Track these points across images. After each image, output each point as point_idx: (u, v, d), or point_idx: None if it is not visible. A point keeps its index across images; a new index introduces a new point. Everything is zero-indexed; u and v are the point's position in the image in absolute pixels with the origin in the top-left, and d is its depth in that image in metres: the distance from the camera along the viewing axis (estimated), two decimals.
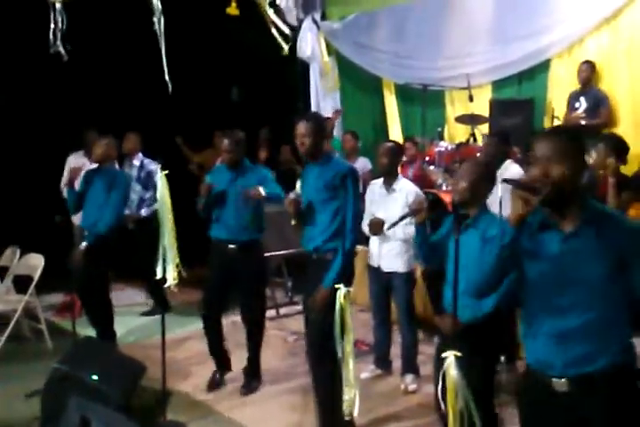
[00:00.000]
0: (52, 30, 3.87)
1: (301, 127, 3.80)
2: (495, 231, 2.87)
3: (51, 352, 5.28)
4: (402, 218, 3.84)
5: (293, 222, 3.94)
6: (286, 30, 4.51)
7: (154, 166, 6.31)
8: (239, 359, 4.90)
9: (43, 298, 5.94)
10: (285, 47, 3.89)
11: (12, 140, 6.90)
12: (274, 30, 3.92)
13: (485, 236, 3.15)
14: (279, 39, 3.85)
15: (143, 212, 6.47)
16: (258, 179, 4.55)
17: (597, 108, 6.29)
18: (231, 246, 4.66)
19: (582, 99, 6.38)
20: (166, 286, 4.03)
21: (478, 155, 5.94)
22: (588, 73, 6.36)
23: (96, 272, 5.20)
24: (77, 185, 5.38)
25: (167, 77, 3.43)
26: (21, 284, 5.61)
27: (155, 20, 3.56)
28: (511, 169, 5.11)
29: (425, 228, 3.51)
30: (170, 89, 3.44)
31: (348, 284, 3.64)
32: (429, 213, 3.51)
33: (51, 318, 6.07)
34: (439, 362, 2.87)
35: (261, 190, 4.39)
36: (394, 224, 4.01)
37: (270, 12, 3.96)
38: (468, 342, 3.05)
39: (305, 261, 4.05)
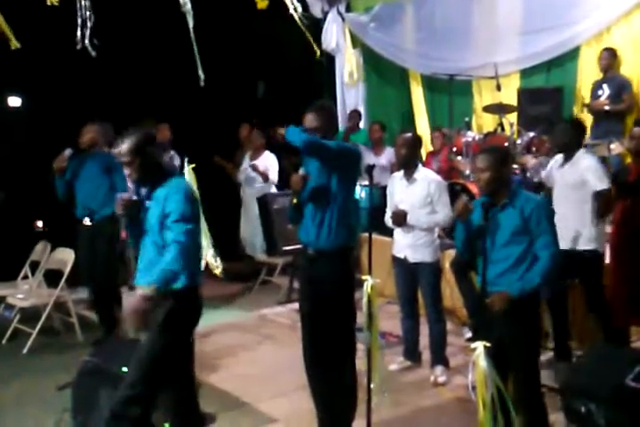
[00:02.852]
0: (79, 26, 3.89)
1: (309, 120, 3.62)
2: (532, 206, 3.32)
3: (81, 345, 5.34)
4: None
5: (294, 201, 3.71)
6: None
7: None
8: (265, 352, 4.91)
9: (73, 292, 6.00)
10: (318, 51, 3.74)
11: (43, 137, 6.98)
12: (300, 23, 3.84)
13: (524, 213, 3.33)
14: (308, 35, 3.75)
15: None
16: None
17: (620, 94, 6.23)
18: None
19: (605, 86, 6.31)
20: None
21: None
22: (609, 60, 6.31)
23: (104, 253, 5.32)
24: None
25: (200, 71, 3.44)
26: (52, 278, 5.68)
27: (187, 15, 3.57)
28: (584, 160, 4.54)
29: (467, 225, 3.47)
30: (202, 82, 3.44)
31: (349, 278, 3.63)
32: (469, 212, 3.46)
33: (81, 311, 6.13)
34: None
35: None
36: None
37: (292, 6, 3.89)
38: (514, 316, 3.27)
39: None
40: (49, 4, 3.16)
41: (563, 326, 4.71)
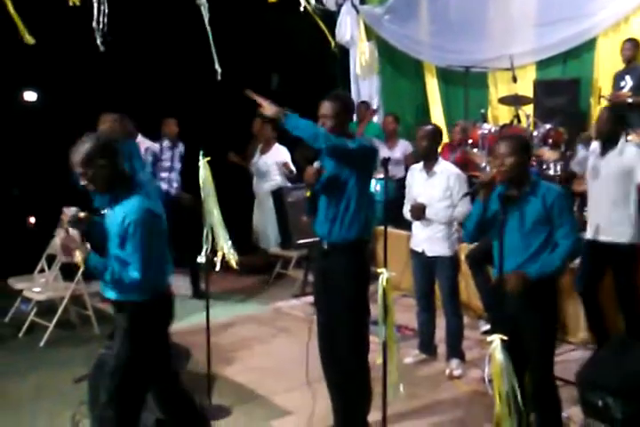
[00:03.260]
0: (95, 20, 3.88)
1: (325, 107, 3.54)
2: (554, 196, 3.31)
3: (98, 338, 5.36)
4: (471, 192, 3.76)
5: (308, 194, 3.69)
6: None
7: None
8: (280, 345, 4.91)
9: (89, 285, 6.02)
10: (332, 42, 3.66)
11: (59, 131, 7.00)
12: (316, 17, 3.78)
13: (546, 202, 3.31)
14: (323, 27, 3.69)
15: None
16: None
17: None
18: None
19: (627, 77, 6.22)
20: (216, 270, 4.04)
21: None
22: (632, 51, 6.22)
23: None
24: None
25: (217, 64, 3.41)
26: (68, 271, 5.70)
27: (201, 7, 3.54)
28: (630, 149, 4.41)
29: (486, 204, 3.41)
30: (219, 75, 3.41)
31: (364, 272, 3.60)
32: (492, 189, 3.41)
33: (97, 304, 6.15)
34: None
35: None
36: (466, 195, 3.98)
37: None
38: (531, 300, 3.28)
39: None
40: (71, 4, 3.14)
41: (598, 320, 4.65)
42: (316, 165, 3.61)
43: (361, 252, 3.65)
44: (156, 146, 6.72)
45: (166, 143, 6.65)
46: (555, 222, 3.30)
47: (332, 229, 3.59)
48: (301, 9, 3.59)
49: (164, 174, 6.58)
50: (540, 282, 3.28)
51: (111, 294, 3.19)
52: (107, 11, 3.95)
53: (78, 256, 3.05)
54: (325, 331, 3.73)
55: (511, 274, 3.28)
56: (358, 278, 3.60)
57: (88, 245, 3.10)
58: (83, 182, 3.18)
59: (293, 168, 7.19)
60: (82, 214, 3.18)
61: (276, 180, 7.26)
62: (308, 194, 3.69)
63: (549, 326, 3.40)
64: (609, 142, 4.43)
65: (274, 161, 7.23)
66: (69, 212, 3.20)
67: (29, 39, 3.37)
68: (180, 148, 6.67)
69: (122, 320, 3.20)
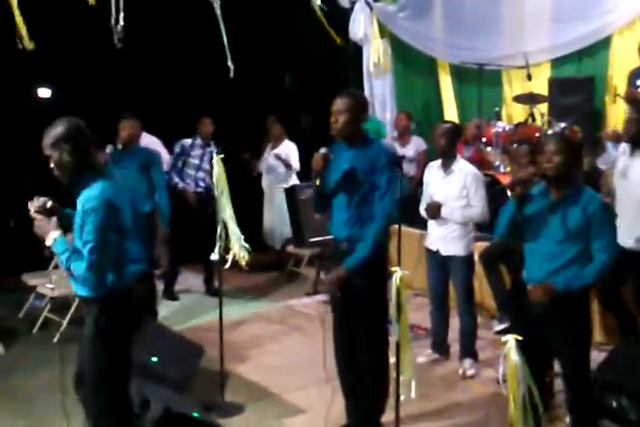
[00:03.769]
0: (113, 19, 3.89)
1: (338, 103, 3.49)
2: (595, 206, 3.20)
3: None
4: (505, 187, 3.69)
5: (317, 182, 3.59)
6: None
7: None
8: (293, 343, 4.91)
9: None
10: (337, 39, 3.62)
11: None
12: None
13: (587, 212, 3.19)
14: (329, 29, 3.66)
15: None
16: None
17: None
18: None
19: None
20: (227, 267, 4.04)
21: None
22: None
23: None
24: None
25: (230, 62, 3.41)
26: None
27: (214, 4, 3.54)
28: None
29: (522, 202, 3.31)
30: (232, 73, 3.41)
31: (383, 274, 3.55)
32: (527, 188, 3.32)
33: None
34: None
35: None
36: (499, 190, 3.84)
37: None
38: (560, 312, 3.20)
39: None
40: (90, 3, 3.15)
41: (629, 322, 4.60)
42: (323, 150, 3.54)
43: (382, 252, 3.62)
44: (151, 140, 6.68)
45: (198, 141, 6.62)
46: (592, 233, 3.19)
47: (352, 227, 3.55)
48: (314, 6, 3.55)
49: (191, 172, 6.58)
50: (570, 296, 3.20)
51: (77, 290, 3.16)
52: (122, 9, 3.96)
53: (49, 239, 3.02)
54: (343, 331, 3.71)
55: (537, 285, 3.21)
56: (379, 278, 3.57)
57: (59, 232, 3.05)
58: (333, 127, 3.34)
59: (295, 164, 7.18)
60: (50, 204, 3.12)
61: (284, 174, 7.25)
62: (318, 182, 3.60)
63: (581, 336, 3.31)
64: (638, 144, 4.30)
65: (284, 156, 7.22)
66: (38, 202, 3.12)
67: (29, 44, 3.38)
68: (213, 148, 6.60)
69: (86, 317, 3.19)
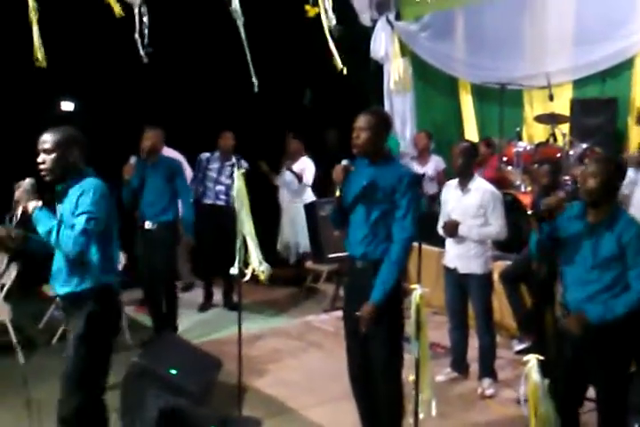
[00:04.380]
0: (137, 32, 3.94)
1: (361, 120, 3.49)
2: (632, 234, 3.04)
3: (130, 347, 5.40)
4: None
5: (338, 193, 3.58)
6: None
7: (246, 164, 6.66)
8: (311, 359, 4.90)
9: (123, 294, 6.07)
10: (340, 65, 3.57)
11: (96, 141, 7.08)
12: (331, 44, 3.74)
13: (622, 240, 3.09)
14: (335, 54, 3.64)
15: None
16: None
17: None
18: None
19: None
20: (245, 280, 4.06)
21: None
22: None
23: (163, 259, 5.50)
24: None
25: (254, 77, 3.44)
26: None
27: (237, 21, 3.58)
28: None
29: (549, 225, 3.26)
30: (256, 88, 3.44)
31: (399, 291, 3.51)
32: (554, 215, 3.25)
33: (130, 313, 6.22)
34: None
35: None
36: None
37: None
38: (598, 345, 3.13)
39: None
40: (117, 16, 3.20)
41: None
42: (344, 162, 3.57)
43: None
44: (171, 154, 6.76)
45: (216, 155, 6.67)
46: (629, 262, 3.07)
47: (368, 245, 3.52)
48: (325, 26, 3.57)
49: (210, 184, 6.64)
50: (607, 327, 3.10)
51: (63, 287, 3.21)
52: (147, 23, 4.01)
53: (31, 207, 3.16)
54: (358, 350, 3.68)
55: (571, 317, 3.16)
56: (395, 297, 3.53)
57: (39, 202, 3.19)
58: (355, 143, 3.44)
59: (308, 179, 7.20)
60: (31, 183, 3.24)
61: (299, 189, 7.29)
62: (338, 193, 3.61)
63: (616, 371, 3.20)
64: None
65: (298, 170, 7.26)
66: (24, 184, 3.24)
67: (42, 62, 3.44)
68: (232, 165, 6.61)
69: (71, 318, 3.23)
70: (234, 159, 6.63)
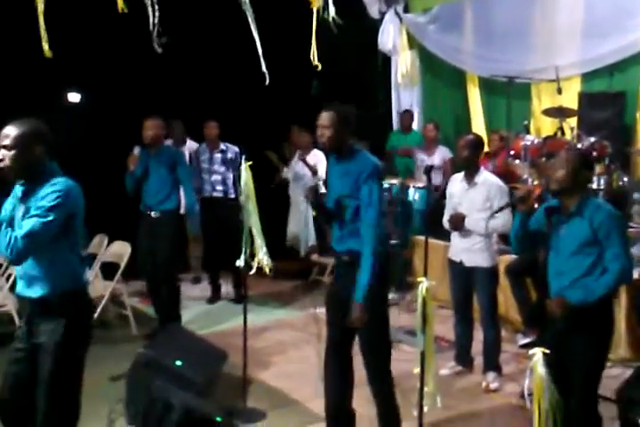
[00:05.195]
0: (151, 24, 3.93)
1: (323, 118, 3.51)
2: (602, 217, 3.16)
3: (135, 338, 5.43)
4: (503, 207, 3.85)
5: (314, 213, 3.70)
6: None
7: (237, 149, 6.66)
8: (315, 351, 4.90)
9: (129, 285, 6.11)
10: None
11: (102, 132, 7.12)
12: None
13: (593, 225, 3.20)
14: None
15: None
16: None
17: None
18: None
19: None
20: (252, 273, 4.07)
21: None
22: None
23: (166, 247, 5.51)
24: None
25: (264, 68, 3.42)
26: (108, 271, 5.78)
27: (247, 12, 3.56)
28: None
29: (527, 217, 3.41)
30: (267, 80, 3.43)
31: (382, 287, 3.51)
32: (533, 205, 3.40)
33: (136, 304, 6.24)
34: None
35: None
36: (495, 212, 4.00)
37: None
38: (576, 325, 3.21)
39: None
40: (120, 11, 3.19)
41: None
42: (310, 183, 3.62)
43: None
44: (194, 146, 6.83)
45: (204, 146, 6.73)
46: (603, 244, 3.19)
47: (347, 244, 3.54)
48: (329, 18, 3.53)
49: (205, 176, 6.66)
50: (587, 308, 3.19)
51: (35, 291, 3.03)
52: (157, 15, 4.00)
53: None
54: (337, 345, 3.69)
55: (552, 300, 3.25)
56: (378, 292, 3.49)
57: None
58: (320, 141, 3.46)
59: (322, 172, 7.20)
60: None
61: (311, 182, 7.28)
62: (314, 213, 3.71)
63: (595, 351, 3.28)
64: None
65: (312, 163, 7.23)
66: None
67: (48, 52, 3.41)
68: (222, 151, 6.67)
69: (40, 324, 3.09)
70: (222, 146, 6.65)
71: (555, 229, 3.32)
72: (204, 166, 6.67)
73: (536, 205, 3.51)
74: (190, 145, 7.17)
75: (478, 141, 4.61)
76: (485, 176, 4.55)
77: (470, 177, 4.54)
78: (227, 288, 6.80)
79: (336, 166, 3.62)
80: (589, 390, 3.32)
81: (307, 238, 7.31)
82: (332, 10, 3.35)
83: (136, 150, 5.47)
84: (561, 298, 3.23)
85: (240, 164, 6.41)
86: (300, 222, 7.37)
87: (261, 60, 3.34)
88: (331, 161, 3.72)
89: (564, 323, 3.23)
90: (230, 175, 6.62)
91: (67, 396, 3.12)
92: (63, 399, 3.10)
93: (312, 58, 3.37)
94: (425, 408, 3.45)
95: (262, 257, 4.09)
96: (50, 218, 2.89)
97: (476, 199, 4.49)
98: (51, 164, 3.10)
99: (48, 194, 2.94)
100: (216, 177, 6.63)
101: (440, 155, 7.54)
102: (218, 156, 6.66)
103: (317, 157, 7.27)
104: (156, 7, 3.39)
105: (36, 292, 3.04)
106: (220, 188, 6.63)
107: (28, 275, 3.05)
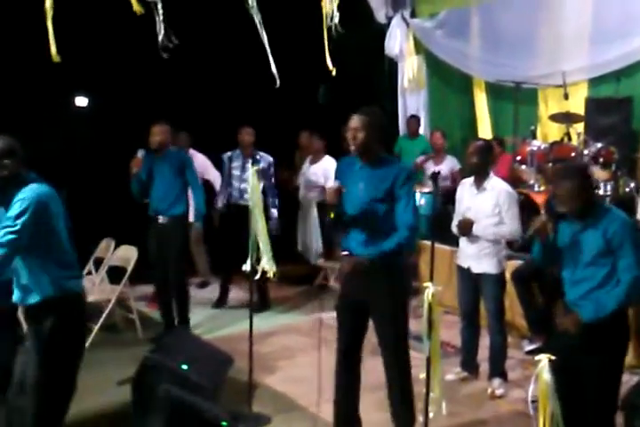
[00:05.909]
0: (158, 27, 3.94)
1: (355, 120, 3.54)
2: (616, 227, 3.13)
3: (141, 342, 5.43)
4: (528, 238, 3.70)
5: (332, 215, 3.58)
6: None
7: (270, 159, 6.55)
8: (323, 357, 4.89)
9: (135, 289, 6.12)
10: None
11: (109, 136, 7.15)
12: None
13: (607, 234, 3.17)
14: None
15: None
16: None
17: None
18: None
19: None
20: (256, 278, 4.07)
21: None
22: None
23: (175, 252, 5.54)
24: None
25: (275, 71, 3.43)
26: (115, 275, 5.80)
27: (255, 17, 3.57)
28: None
29: (548, 241, 3.36)
30: (277, 82, 3.44)
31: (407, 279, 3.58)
32: (549, 234, 3.34)
33: (142, 308, 6.25)
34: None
35: None
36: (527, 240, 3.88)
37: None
38: (590, 342, 3.17)
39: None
40: (137, 13, 3.21)
41: None
42: (335, 184, 3.60)
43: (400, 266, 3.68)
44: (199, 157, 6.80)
45: (237, 152, 6.59)
46: (617, 254, 3.15)
47: (370, 248, 3.56)
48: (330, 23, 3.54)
49: (235, 183, 6.55)
50: (600, 324, 3.14)
51: (28, 298, 3.12)
52: (162, 19, 4.01)
53: None
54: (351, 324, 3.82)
55: (565, 317, 3.22)
56: (399, 289, 3.62)
57: None
58: (352, 144, 3.47)
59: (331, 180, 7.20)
60: None
61: (321, 190, 7.28)
62: (332, 216, 3.59)
63: (610, 370, 3.23)
64: None
65: (322, 171, 7.24)
66: None
67: (56, 57, 3.43)
68: (256, 161, 6.55)
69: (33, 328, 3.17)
70: (257, 155, 6.52)
71: (570, 238, 3.28)
72: (235, 173, 6.54)
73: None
74: (200, 159, 7.08)
75: (488, 147, 4.61)
76: (495, 182, 4.54)
77: (479, 182, 4.54)
78: (237, 294, 6.79)
79: (362, 171, 3.61)
80: (605, 410, 3.27)
81: (316, 246, 7.29)
82: (336, 16, 3.37)
83: (140, 153, 5.46)
84: (575, 315, 3.19)
85: (272, 175, 6.51)
86: (310, 229, 7.36)
87: (271, 60, 3.36)
88: (351, 166, 3.68)
89: (578, 340, 3.19)
90: (260, 185, 6.55)
91: (52, 399, 3.18)
92: (49, 402, 3.17)
93: (326, 62, 3.38)
94: (430, 414, 3.45)
95: (267, 262, 4.10)
96: (18, 227, 2.99)
97: (485, 205, 4.49)
98: (27, 173, 3.19)
99: (15, 203, 3.04)
100: (245, 185, 6.57)
101: (448, 165, 7.55)
102: (248, 162, 6.58)
103: (329, 163, 7.27)
104: (161, 12, 3.40)
105: (24, 300, 3.16)
106: (246, 195, 6.59)
107: (17, 283, 3.17)
